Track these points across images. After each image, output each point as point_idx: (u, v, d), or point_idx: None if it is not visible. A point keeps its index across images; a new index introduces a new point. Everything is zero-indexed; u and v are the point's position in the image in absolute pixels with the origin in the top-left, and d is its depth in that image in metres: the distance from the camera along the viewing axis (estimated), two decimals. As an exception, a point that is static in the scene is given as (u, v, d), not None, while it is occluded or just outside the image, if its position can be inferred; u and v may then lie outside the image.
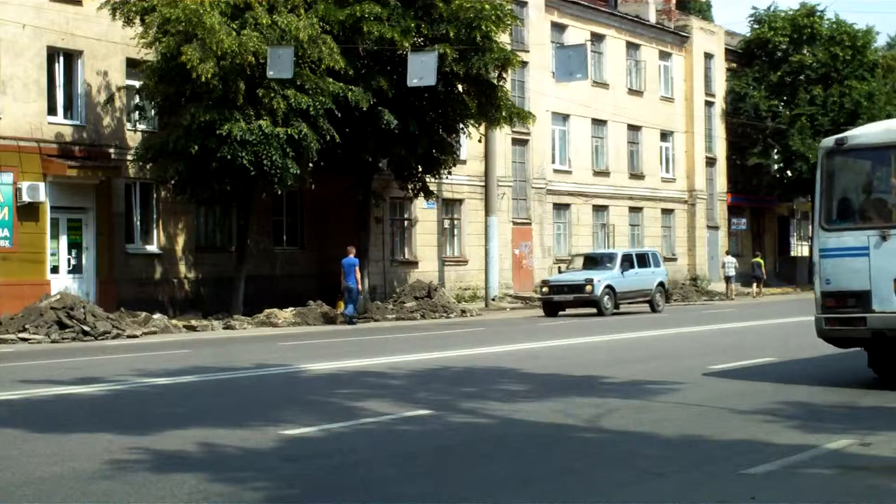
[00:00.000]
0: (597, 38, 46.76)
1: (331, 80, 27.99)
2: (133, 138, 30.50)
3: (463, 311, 33.96)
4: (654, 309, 35.33)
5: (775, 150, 54.27)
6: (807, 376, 15.17)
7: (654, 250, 38.87)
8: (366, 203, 33.76)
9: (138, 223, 31.18)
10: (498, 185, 40.49)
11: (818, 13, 54.28)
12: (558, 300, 33.58)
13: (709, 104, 54.01)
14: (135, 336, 25.31)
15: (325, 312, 31.20)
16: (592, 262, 35.78)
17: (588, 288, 33.12)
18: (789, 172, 54.43)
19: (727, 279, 47.80)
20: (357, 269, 30.77)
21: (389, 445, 10.18)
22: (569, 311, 34.12)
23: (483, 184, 40.32)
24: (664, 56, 51.87)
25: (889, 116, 52.62)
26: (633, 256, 35.60)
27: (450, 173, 35.76)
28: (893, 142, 13.39)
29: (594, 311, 33.44)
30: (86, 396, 13.93)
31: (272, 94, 26.92)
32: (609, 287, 33.53)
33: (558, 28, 45.26)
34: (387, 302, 34.34)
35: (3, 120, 27.74)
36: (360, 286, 31.04)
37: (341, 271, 30.78)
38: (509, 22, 32.49)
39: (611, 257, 35.59)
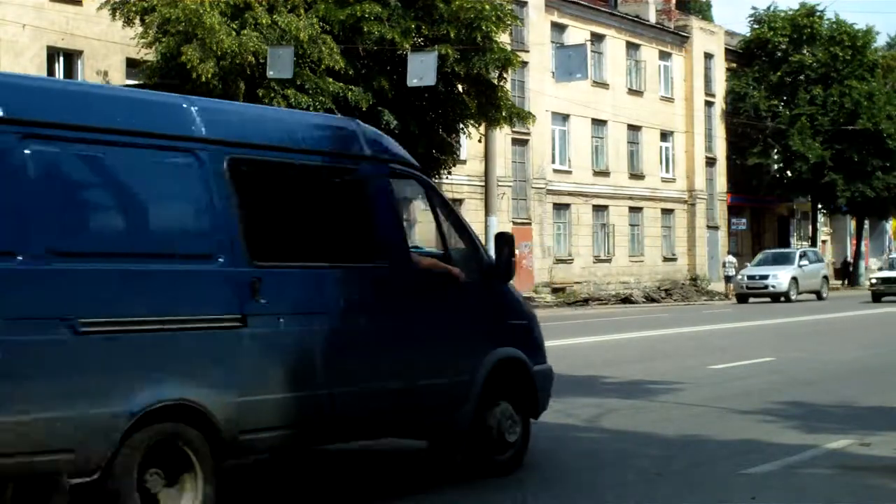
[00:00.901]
0: (597, 38, 46.75)
1: (331, 80, 27.97)
2: (133, 138, 30.51)
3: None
4: None
5: (775, 150, 54.27)
6: (806, 376, 15.17)
7: None
8: (366, 203, 33.68)
9: (138, 223, 31.22)
10: (498, 185, 40.49)
11: (818, 13, 54.29)
12: None
13: (709, 104, 54.01)
14: (135, 336, 25.30)
15: None
16: None
17: None
18: (789, 172, 54.44)
19: (727, 279, 47.79)
20: None
21: (390, 445, 10.18)
22: None
23: (483, 184, 40.32)
24: (664, 56, 51.87)
25: (889, 117, 52.72)
26: None
27: (450, 173, 35.73)
28: None
29: None
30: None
31: (272, 94, 26.89)
32: None
33: (558, 28, 45.25)
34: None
35: (3, 120, 27.77)
36: None
37: None
38: (509, 22, 32.47)
39: None
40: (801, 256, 43.63)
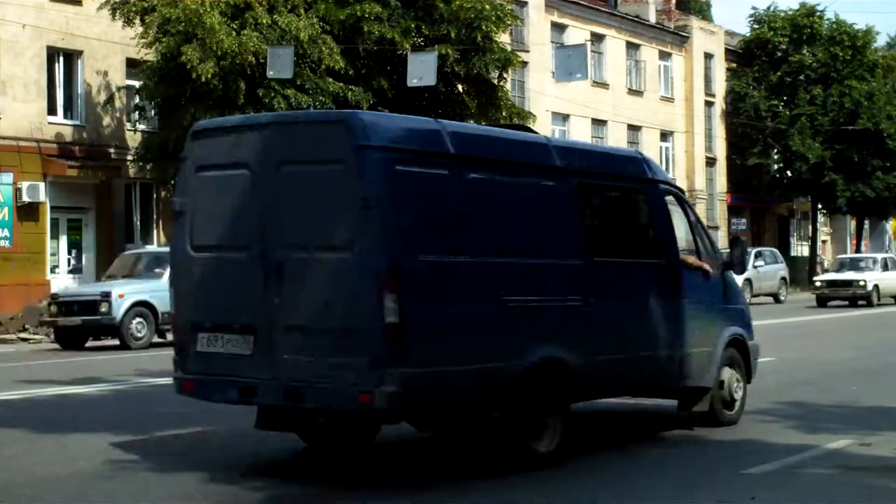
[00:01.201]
0: (597, 38, 46.74)
1: (331, 79, 27.96)
2: (133, 138, 30.49)
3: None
4: None
5: (775, 150, 54.24)
6: (806, 376, 15.17)
7: None
8: (366, 203, 33.68)
9: (138, 223, 31.18)
10: (498, 185, 40.45)
11: (818, 13, 54.22)
12: (64, 324, 22.16)
13: (709, 104, 53.99)
14: (135, 336, 25.26)
15: None
16: (134, 266, 24.12)
17: (103, 307, 21.79)
18: (789, 172, 54.40)
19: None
20: None
21: (389, 445, 10.18)
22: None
23: (483, 184, 40.26)
24: (664, 56, 51.86)
25: (889, 117, 52.63)
26: None
27: (450, 173, 35.74)
28: None
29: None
30: (86, 396, 13.94)
31: (272, 94, 26.89)
32: (142, 305, 22.11)
33: (558, 28, 45.25)
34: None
35: (3, 120, 27.74)
36: None
37: None
38: (509, 22, 32.47)
39: (159, 259, 23.02)
40: (756, 256, 39.87)
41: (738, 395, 11.00)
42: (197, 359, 8.56)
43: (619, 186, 10.26)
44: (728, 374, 10.82)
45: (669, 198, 10.70)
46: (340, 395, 7.88)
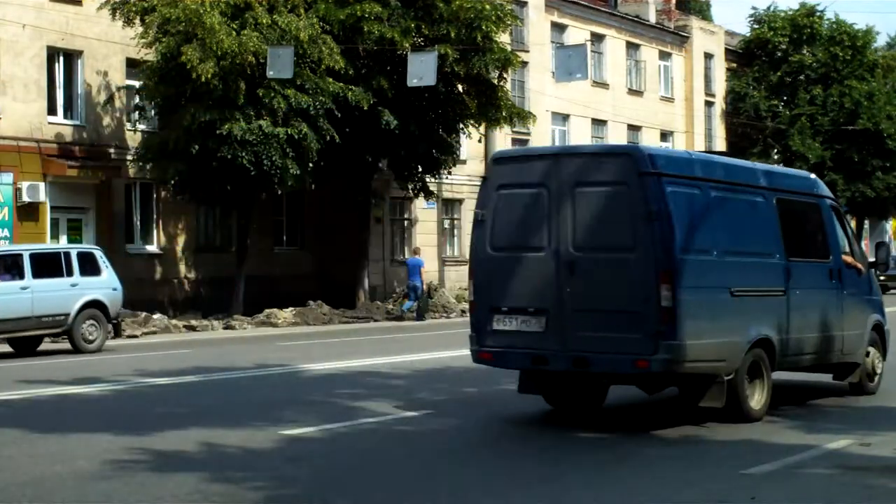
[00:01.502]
0: (597, 38, 46.71)
1: (331, 80, 27.97)
2: (133, 138, 30.46)
3: (463, 311, 33.93)
4: (76, 346, 21.10)
5: (775, 150, 54.23)
6: (806, 376, 15.15)
7: (91, 249, 23.12)
8: (366, 203, 33.73)
9: (138, 223, 31.15)
10: (498, 185, 40.37)
11: (818, 13, 54.22)
12: None
13: (709, 104, 53.97)
14: (135, 336, 25.27)
15: (390, 310, 33.03)
16: None
17: None
18: (789, 172, 54.41)
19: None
20: (422, 269, 32.92)
21: (390, 446, 10.19)
22: None
23: (483, 184, 40.17)
24: (664, 56, 51.84)
25: (889, 117, 52.58)
26: (24, 260, 20.45)
27: (450, 173, 35.74)
28: None
29: None
30: (86, 396, 13.94)
31: (272, 94, 26.90)
32: None
33: (558, 28, 45.23)
34: (387, 302, 34.34)
35: (3, 120, 27.72)
36: (423, 286, 33.08)
37: (406, 270, 33.50)
38: (509, 22, 32.47)
39: None
40: None
41: (879, 370, 13.49)
42: (493, 335, 10.92)
43: (801, 202, 12.65)
44: (873, 352, 13.36)
45: (832, 209, 13.17)
46: (622, 362, 10.30)
